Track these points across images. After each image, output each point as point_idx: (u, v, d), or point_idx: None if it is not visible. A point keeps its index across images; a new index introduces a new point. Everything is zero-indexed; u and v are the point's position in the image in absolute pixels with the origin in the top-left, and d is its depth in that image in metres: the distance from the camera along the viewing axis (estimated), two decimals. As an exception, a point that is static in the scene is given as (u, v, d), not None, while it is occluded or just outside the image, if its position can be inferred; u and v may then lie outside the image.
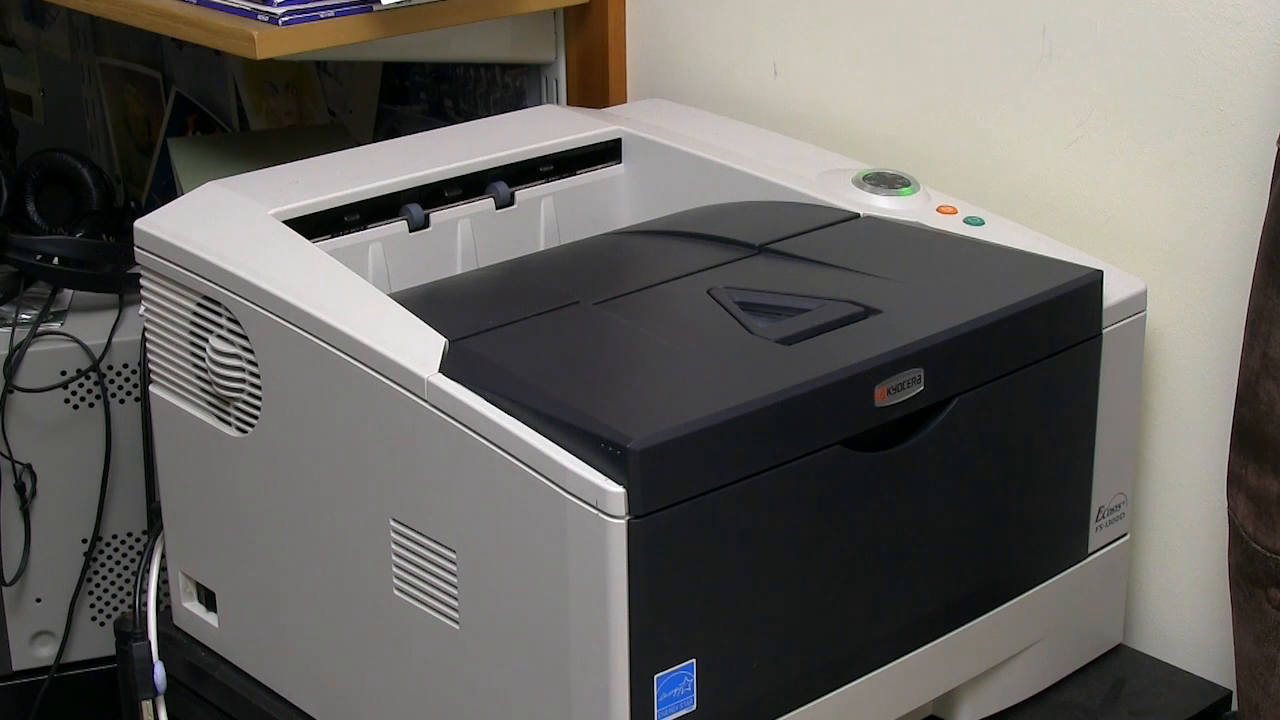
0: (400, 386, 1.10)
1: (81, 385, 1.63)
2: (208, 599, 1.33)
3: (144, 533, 1.67)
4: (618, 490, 1.00)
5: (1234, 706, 1.31)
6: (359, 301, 1.16)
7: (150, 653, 1.35)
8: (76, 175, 1.76)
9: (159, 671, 1.35)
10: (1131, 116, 1.33)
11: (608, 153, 1.44)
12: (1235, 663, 1.16)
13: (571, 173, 1.41)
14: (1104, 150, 1.35)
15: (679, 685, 1.06)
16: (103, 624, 1.70)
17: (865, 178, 1.35)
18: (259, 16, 1.43)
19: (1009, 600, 1.24)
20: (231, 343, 1.21)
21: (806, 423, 1.07)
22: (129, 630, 1.35)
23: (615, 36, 1.62)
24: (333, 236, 1.28)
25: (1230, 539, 1.14)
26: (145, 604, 1.36)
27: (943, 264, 1.26)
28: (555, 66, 1.65)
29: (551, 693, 1.07)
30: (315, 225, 1.27)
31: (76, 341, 1.62)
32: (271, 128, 2.02)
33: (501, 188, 1.37)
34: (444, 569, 1.11)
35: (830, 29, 1.50)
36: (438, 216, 1.34)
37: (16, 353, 1.61)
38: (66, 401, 1.63)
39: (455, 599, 1.11)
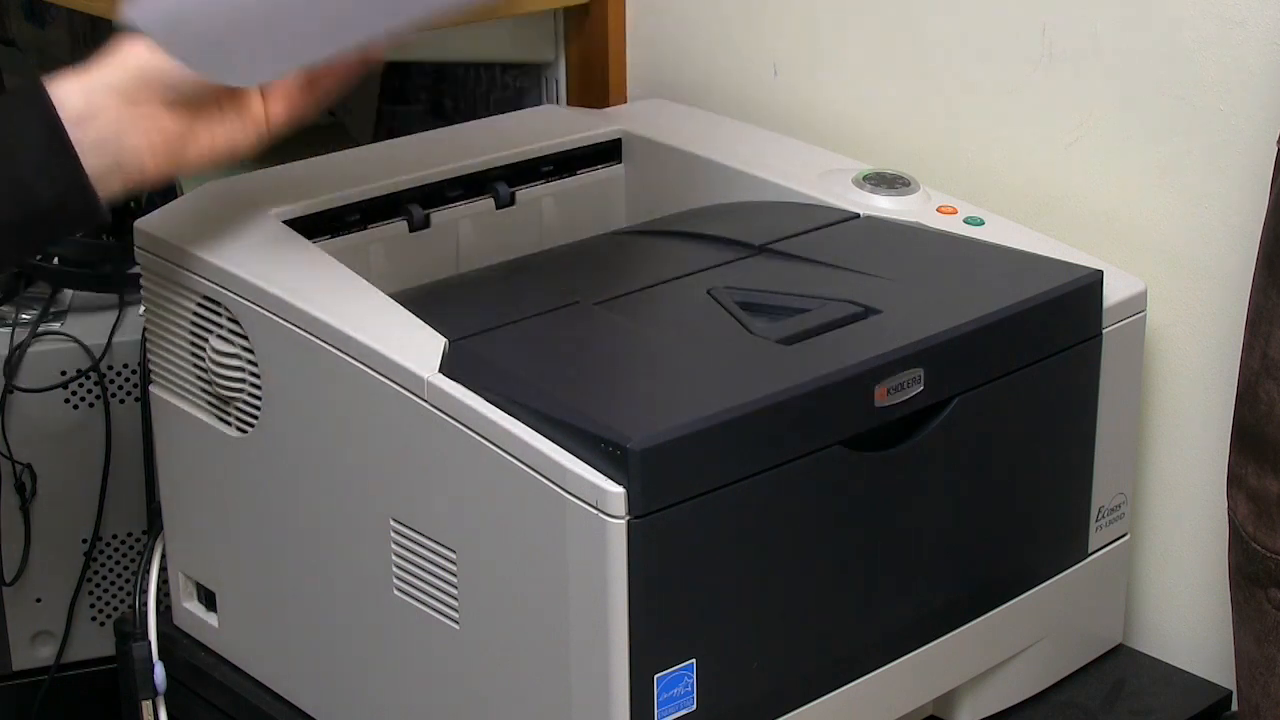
0: (400, 386, 1.10)
1: (81, 385, 1.63)
2: (208, 599, 1.33)
3: (144, 533, 1.67)
4: (618, 490, 1.00)
5: (1234, 706, 1.31)
6: (359, 301, 1.16)
7: (150, 653, 1.35)
8: (76, 175, 1.76)
9: (159, 671, 1.35)
10: (1131, 116, 1.33)
11: (608, 153, 1.44)
12: (1235, 663, 1.16)
13: (571, 173, 1.41)
14: (1104, 150, 1.35)
15: (679, 685, 1.06)
16: (103, 624, 1.70)
17: (865, 178, 1.35)
18: (259, 16, 1.43)
19: (1009, 600, 1.24)
20: (231, 343, 1.21)
21: (806, 423, 1.07)
22: (129, 630, 1.35)
23: (615, 36, 1.62)
24: (333, 237, 1.28)
25: (1230, 539, 1.14)
26: (145, 604, 1.36)
27: (943, 264, 1.26)
28: (555, 66, 1.65)
29: (551, 693, 1.07)
30: (316, 225, 1.27)
31: (76, 341, 1.62)
32: (271, 128, 2.01)
33: (502, 188, 1.37)
34: (444, 569, 1.11)
35: (830, 29, 1.50)
36: (438, 216, 1.34)
37: (16, 353, 1.61)
38: (66, 401, 1.63)
39: (455, 599, 1.11)
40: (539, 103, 1.67)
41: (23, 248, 1.11)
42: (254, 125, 1.16)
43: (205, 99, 1.12)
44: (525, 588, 1.06)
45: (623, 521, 1.00)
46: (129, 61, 1.09)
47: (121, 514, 1.67)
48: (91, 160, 1.08)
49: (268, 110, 1.16)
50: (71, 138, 1.07)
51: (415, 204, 1.32)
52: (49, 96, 1.07)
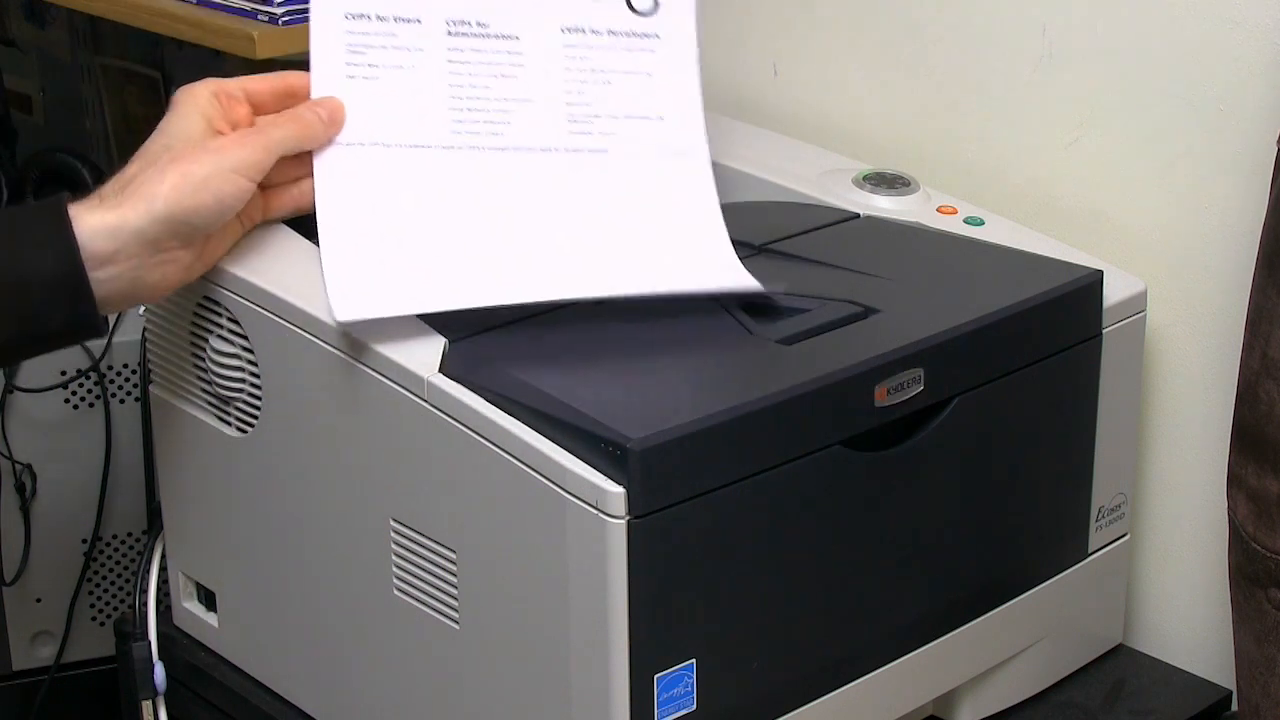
0: (400, 386, 1.10)
1: (81, 385, 1.63)
2: (208, 599, 1.33)
3: (144, 533, 1.67)
4: (618, 490, 1.00)
5: (1234, 706, 1.31)
6: (359, 301, 1.15)
7: (150, 653, 1.35)
8: (76, 175, 1.76)
9: (159, 671, 1.35)
10: (1131, 116, 1.33)
11: (608, 153, 1.44)
12: (1235, 663, 1.16)
13: (571, 173, 1.41)
14: (1104, 150, 1.35)
15: (679, 685, 1.06)
16: (103, 624, 1.70)
17: (865, 178, 1.35)
18: (259, 16, 1.43)
19: (1009, 600, 1.24)
20: (231, 343, 1.21)
21: (806, 423, 1.07)
22: (129, 630, 1.35)
23: (615, 37, 1.62)
24: (333, 236, 1.28)
25: (1230, 539, 1.14)
26: (145, 604, 1.36)
27: (943, 264, 1.26)
28: (555, 66, 1.65)
29: (551, 693, 1.07)
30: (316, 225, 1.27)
31: (77, 341, 1.62)
32: (271, 128, 2.01)
33: (501, 188, 1.37)
34: (444, 569, 1.11)
35: (830, 29, 1.50)
36: (438, 216, 1.34)
37: (16, 353, 1.61)
38: (66, 401, 1.63)
39: (455, 599, 1.11)
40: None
41: (20, 358, 1.14)
42: (252, 222, 1.19)
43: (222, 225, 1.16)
44: (525, 588, 1.06)
45: (623, 521, 1.00)
46: (156, 208, 1.10)
47: (121, 514, 1.67)
48: (105, 295, 1.11)
49: (270, 203, 1.20)
50: (90, 278, 1.09)
51: (415, 204, 1.32)
52: (74, 236, 1.08)
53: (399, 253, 1.15)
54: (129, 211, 1.10)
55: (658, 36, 1.23)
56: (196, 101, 1.16)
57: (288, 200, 1.20)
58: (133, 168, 1.13)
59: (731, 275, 1.17)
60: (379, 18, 1.19)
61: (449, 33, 1.19)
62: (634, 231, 1.19)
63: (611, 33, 1.22)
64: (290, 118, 1.17)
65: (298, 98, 1.19)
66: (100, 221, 1.09)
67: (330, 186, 1.17)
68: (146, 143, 1.15)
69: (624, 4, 1.23)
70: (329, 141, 1.18)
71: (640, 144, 1.22)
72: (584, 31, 1.22)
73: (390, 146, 1.18)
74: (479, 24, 1.20)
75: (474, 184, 1.19)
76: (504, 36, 1.21)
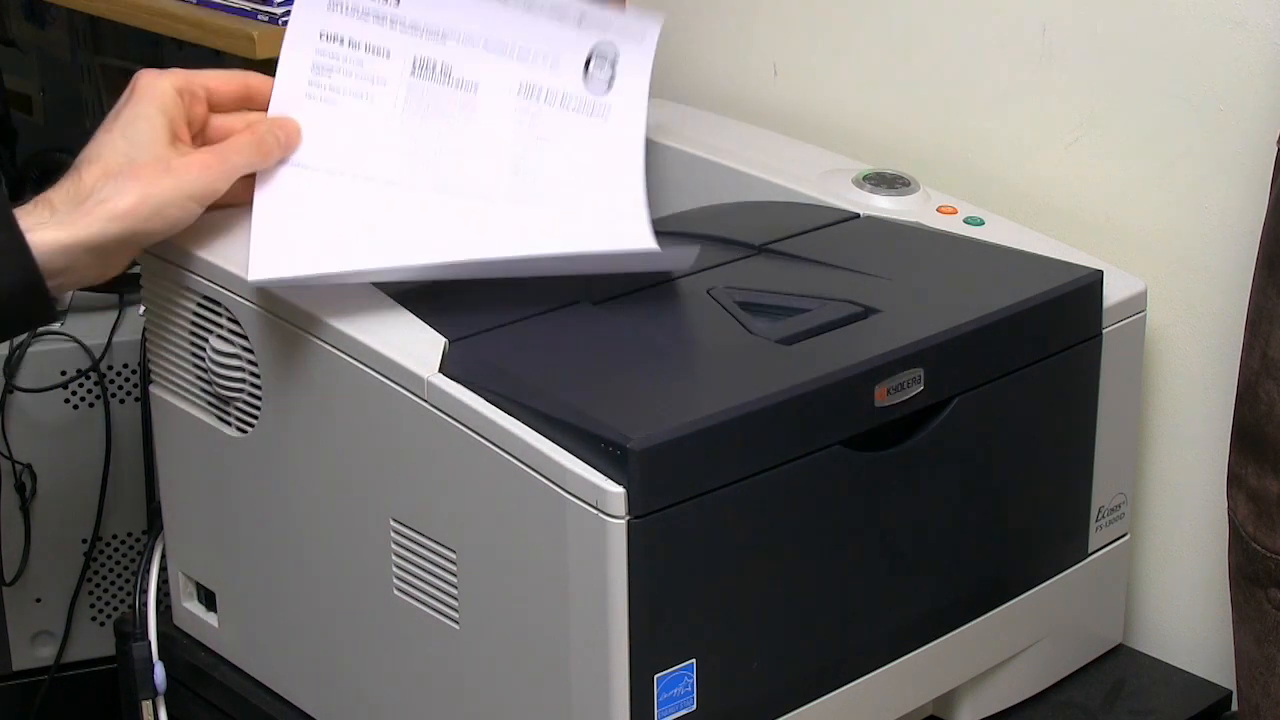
0: (400, 386, 1.10)
1: (81, 385, 1.63)
2: (208, 599, 1.33)
3: (144, 533, 1.67)
4: (618, 490, 1.00)
5: (1234, 706, 1.31)
6: (359, 301, 1.15)
7: (150, 653, 1.35)
8: (76, 175, 1.76)
9: (159, 671, 1.35)
10: (1131, 116, 1.33)
11: (608, 153, 1.44)
12: (1235, 663, 1.16)
13: (571, 173, 1.41)
14: (1104, 150, 1.35)
15: (679, 685, 1.06)
16: (103, 624, 1.70)
17: (865, 178, 1.35)
18: (259, 16, 1.43)
19: (1009, 600, 1.24)
20: (231, 343, 1.21)
21: (806, 423, 1.07)
22: (129, 630, 1.35)
23: (615, 37, 1.62)
24: (333, 236, 1.28)
25: (1230, 539, 1.14)
26: (145, 604, 1.36)
27: (943, 264, 1.26)
28: (555, 66, 1.65)
29: (551, 693, 1.07)
30: (315, 225, 1.27)
31: (76, 341, 1.62)
32: (271, 128, 2.01)
33: (501, 188, 1.37)
34: (444, 569, 1.11)
35: (830, 29, 1.50)
36: (438, 216, 1.34)
37: (16, 353, 1.61)
38: (66, 401, 1.63)
39: (455, 599, 1.11)
40: (539, 103, 1.67)
41: None
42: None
43: None
44: (525, 588, 1.06)
45: (623, 521, 1.00)
46: (111, 229, 1.11)
47: (121, 514, 1.68)
48: (56, 292, 1.11)
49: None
50: (48, 285, 1.09)
51: (415, 204, 1.32)
52: (31, 252, 1.08)
53: (321, 222, 1.17)
54: (82, 231, 1.10)
55: (607, 115, 1.25)
56: (160, 99, 1.16)
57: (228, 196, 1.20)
58: (89, 173, 1.12)
59: (636, 238, 1.20)
60: (351, 44, 1.21)
61: (412, 72, 1.21)
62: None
63: (564, 103, 1.24)
64: (251, 144, 1.17)
65: (255, 101, 1.20)
66: (54, 239, 1.09)
67: (268, 198, 1.18)
68: (103, 136, 1.14)
69: (581, 76, 1.25)
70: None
71: (580, 203, 1.25)
72: (539, 97, 1.24)
73: (334, 174, 1.20)
74: (443, 68, 1.22)
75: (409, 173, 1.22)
76: (463, 86, 1.22)
